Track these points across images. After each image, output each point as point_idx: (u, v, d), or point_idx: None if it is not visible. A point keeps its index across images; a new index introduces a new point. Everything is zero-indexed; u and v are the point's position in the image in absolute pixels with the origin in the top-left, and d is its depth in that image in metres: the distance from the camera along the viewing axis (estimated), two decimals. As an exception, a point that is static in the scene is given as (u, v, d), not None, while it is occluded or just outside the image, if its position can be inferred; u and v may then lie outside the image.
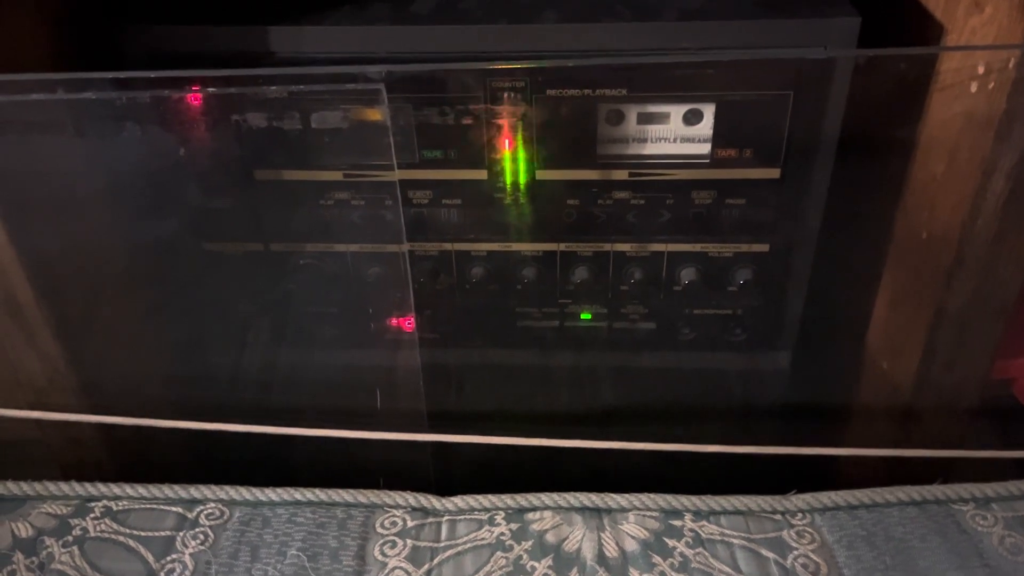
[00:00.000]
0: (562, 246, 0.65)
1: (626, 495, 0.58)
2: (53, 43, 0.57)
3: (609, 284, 0.66)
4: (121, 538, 0.56)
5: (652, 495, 0.58)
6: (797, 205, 0.62)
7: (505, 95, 0.58)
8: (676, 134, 0.60)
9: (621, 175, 0.62)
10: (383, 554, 0.55)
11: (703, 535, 0.55)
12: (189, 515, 0.57)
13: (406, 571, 0.54)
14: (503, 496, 0.59)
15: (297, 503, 0.58)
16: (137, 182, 0.62)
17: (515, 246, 0.65)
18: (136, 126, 0.58)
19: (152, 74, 0.52)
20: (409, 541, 0.56)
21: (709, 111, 0.59)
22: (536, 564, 0.54)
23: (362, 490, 0.59)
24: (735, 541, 0.55)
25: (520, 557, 0.54)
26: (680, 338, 0.69)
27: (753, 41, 0.56)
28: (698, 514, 0.57)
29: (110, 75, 0.52)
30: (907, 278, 0.63)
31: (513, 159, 0.61)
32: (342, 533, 0.56)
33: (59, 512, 0.57)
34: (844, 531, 0.56)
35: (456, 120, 0.59)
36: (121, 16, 0.58)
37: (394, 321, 0.68)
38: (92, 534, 0.56)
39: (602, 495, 0.58)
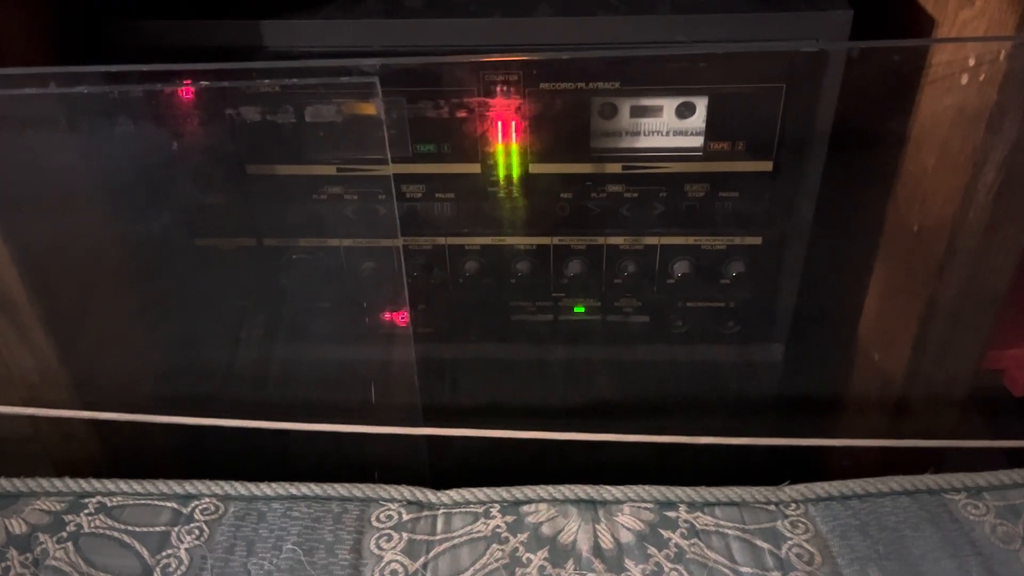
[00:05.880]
0: (555, 240, 0.65)
1: (621, 487, 0.58)
2: (44, 38, 0.57)
3: (602, 277, 0.66)
4: (116, 534, 0.55)
5: (647, 487, 0.58)
6: (789, 198, 0.62)
7: (498, 88, 0.58)
8: (669, 127, 0.60)
9: (614, 168, 0.62)
10: (379, 547, 0.55)
11: (698, 526, 0.56)
12: (184, 510, 0.57)
13: (402, 564, 0.54)
14: (498, 489, 0.59)
15: (292, 497, 0.58)
16: (129, 177, 0.62)
17: (509, 240, 0.65)
18: (128, 121, 0.58)
19: (145, 68, 0.52)
20: (405, 534, 0.56)
21: (702, 104, 0.59)
22: (532, 556, 0.54)
23: (357, 484, 0.59)
24: (730, 532, 0.55)
25: (516, 549, 0.54)
26: (673, 331, 0.69)
27: (746, 34, 0.56)
28: (692, 505, 0.57)
29: (102, 69, 0.52)
30: (899, 270, 0.63)
31: (506, 153, 0.61)
32: (338, 527, 0.56)
33: (53, 508, 0.57)
34: (838, 521, 0.56)
35: (450, 114, 0.59)
36: (113, 11, 0.58)
37: (388, 316, 0.68)
38: (86, 530, 0.56)
39: (597, 487, 0.58)
